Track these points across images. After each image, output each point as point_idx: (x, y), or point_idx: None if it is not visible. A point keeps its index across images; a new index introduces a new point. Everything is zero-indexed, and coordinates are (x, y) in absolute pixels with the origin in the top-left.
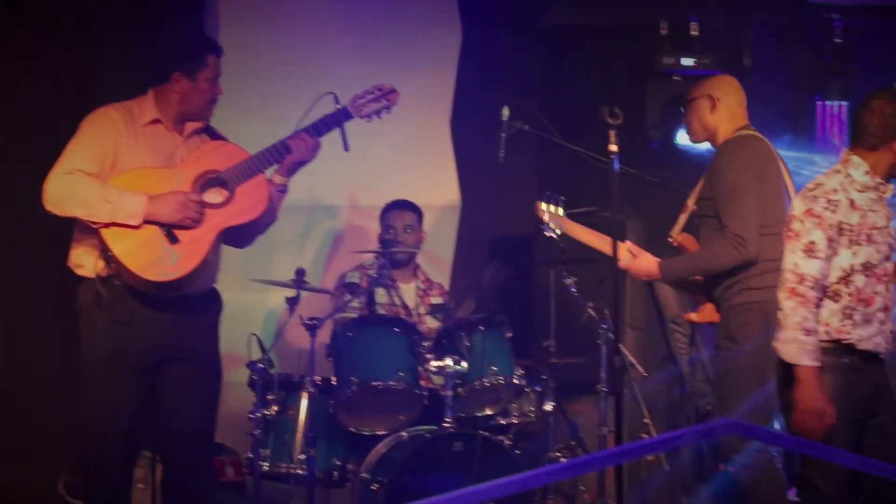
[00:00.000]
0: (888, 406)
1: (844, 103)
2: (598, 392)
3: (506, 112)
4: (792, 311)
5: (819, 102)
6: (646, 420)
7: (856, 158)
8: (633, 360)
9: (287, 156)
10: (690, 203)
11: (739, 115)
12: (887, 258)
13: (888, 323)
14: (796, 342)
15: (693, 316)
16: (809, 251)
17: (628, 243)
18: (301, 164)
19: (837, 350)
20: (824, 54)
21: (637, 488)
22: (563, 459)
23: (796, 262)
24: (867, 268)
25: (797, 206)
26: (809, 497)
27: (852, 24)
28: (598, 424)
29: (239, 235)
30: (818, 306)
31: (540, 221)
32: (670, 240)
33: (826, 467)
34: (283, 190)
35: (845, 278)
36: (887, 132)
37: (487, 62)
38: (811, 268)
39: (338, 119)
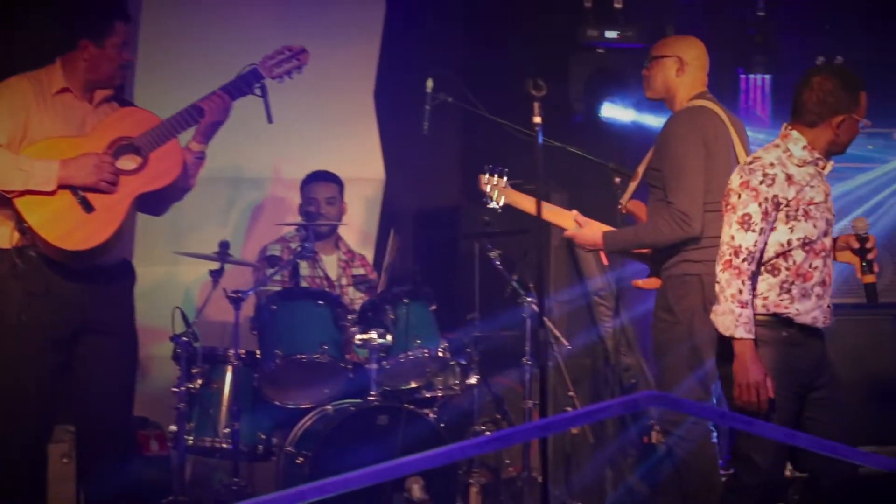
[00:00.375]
0: (827, 379)
1: (767, 76)
2: (523, 365)
3: (430, 84)
4: (727, 284)
5: (742, 75)
6: (570, 393)
7: (795, 133)
8: (557, 332)
9: (200, 118)
10: (640, 171)
11: (700, 81)
12: (825, 233)
13: (826, 298)
14: (731, 314)
15: (640, 283)
16: (745, 224)
17: (575, 212)
18: (215, 125)
19: (776, 323)
20: (747, 27)
21: (562, 461)
22: (487, 432)
23: (732, 234)
24: (805, 243)
25: (734, 179)
26: (743, 470)
27: None
28: (522, 397)
29: (154, 202)
30: (754, 279)
31: (482, 194)
32: (620, 207)
33: (760, 441)
34: (200, 157)
35: (783, 253)
36: (826, 109)
37: (411, 34)
38: (746, 240)
39: (248, 80)
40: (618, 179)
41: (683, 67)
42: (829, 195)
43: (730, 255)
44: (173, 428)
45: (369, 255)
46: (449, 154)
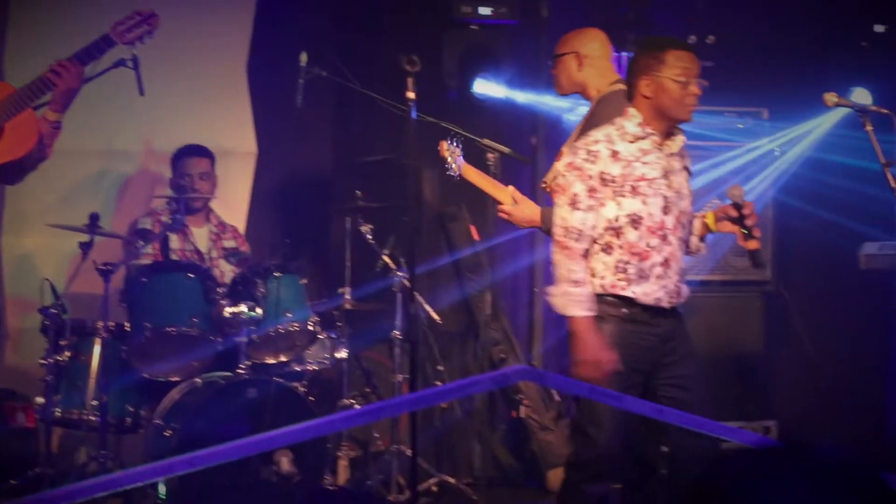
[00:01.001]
0: (682, 357)
1: None
2: (393, 339)
3: (304, 58)
4: (559, 264)
5: (615, 53)
6: (439, 367)
7: (632, 111)
8: (427, 307)
9: (53, 86)
10: (565, 150)
11: (608, 69)
12: (665, 211)
13: (669, 278)
14: (565, 294)
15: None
16: (572, 203)
17: (511, 188)
18: (69, 94)
19: (615, 301)
20: (620, 5)
21: (431, 434)
22: (357, 406)
23: (563, 215)
24: (634, 220)
25: (562, 160)
26: (580, 443)
27: None
28: (392, 371)
29: (10, 172)
30: (585, 257)
31: (443, 161)
32: (543, 185)
33: (596, 414)
34: (57, 126)
35: (615, 231)
36: (632, 78)
37: (285, 6)
38: (574, 219)
39: (99, 46)
40: (492, 156)
41: (583, 61)
42: (672, 171)
43: (561, 235)
44: (40, 400)
45: (241, 227)
46: (322, 128)
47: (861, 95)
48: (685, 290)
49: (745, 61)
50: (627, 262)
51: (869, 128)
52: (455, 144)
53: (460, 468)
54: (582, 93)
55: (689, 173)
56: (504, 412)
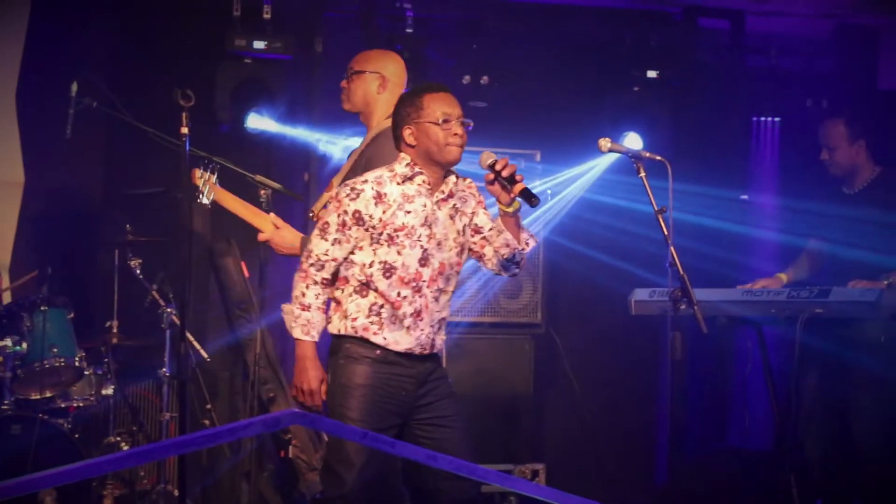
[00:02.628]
0: (439, 398)
1: None
2: (161, 377)
3: (74, 87)
4: (295, 285)
5: None
6: (208, 406)
7: (402, 154)
8: (197, 344)
9: None
10: (335, 182)
11: (394, 101)
12: (424, 262)
13: (422, 329)
14: (290, 314)
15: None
16: (322, 231)
17: (272, 216)
18: None
19: (370, 343)
20: (395, 43)
21: (198, 474)
22: (123, 444)
23: (312, 241)
24: (387, 269)
25: (332, 191)
26: (329, 482)
27: (423, 14)
28: (159, 409)
29: None
30: (324, 286)
31: (195, 188)
32: (311, 214)
33: (344, 454)
34: None
35: (367, 277)
36: (396, 130)
37: (57, 35)
38: (319, 247)
39: None
40: (264, 192)
41: (385, 84)
42: (436, 222)
43: (304, 259)
44: None
45: (6, 259)
46: (92, 160)
47: (633, 140)
48: (440, 341)
49: (520, 103)
50: (382, 307)
51: (642, 174)
52: (209, 171)
53: None
54: (367, 115)
55: (483, 207)
56: (273, 452)
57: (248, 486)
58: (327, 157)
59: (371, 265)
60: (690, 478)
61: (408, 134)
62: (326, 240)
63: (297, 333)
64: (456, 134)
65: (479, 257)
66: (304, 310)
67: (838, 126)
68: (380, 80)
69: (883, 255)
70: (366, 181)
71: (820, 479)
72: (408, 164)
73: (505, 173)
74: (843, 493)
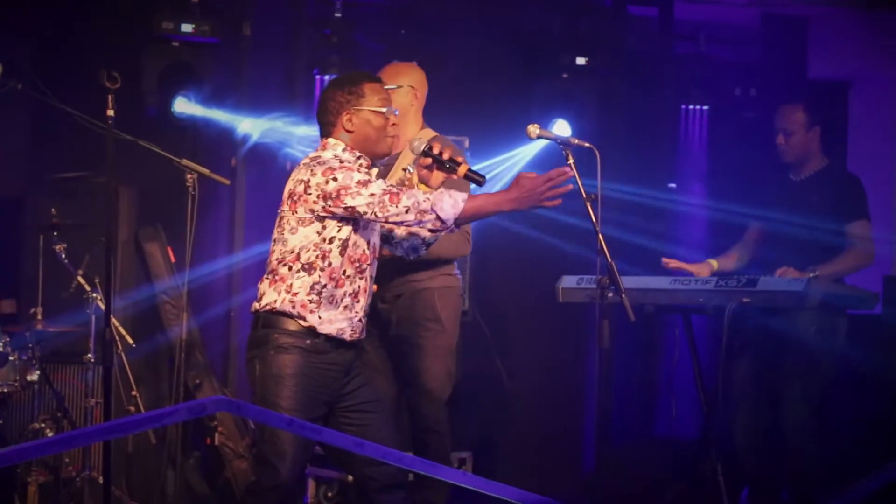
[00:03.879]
0: (362, 385)
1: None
2: (86, 362)
3: None
4: (408, 213)
5: (318, 76)
6: (133, 392)
7: (332, 140)
8: (122, 329)
9: None
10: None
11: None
12: (368, 243)
13: (356, 312)
14: (444, 202)
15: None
16: (364, 184)
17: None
18: None
19: (301, 333)
20: (324, 27)
21: (123, 461)
22: (48, 430)
23: (372, 192)
24: (343, 246)
25: (314, 178)
26: (263, 473)
27: None
28: (85, 395)
29: None
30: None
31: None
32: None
33: (277, 445)
34: None
35: (322, 252)
36: (332, 115)
37: None
38: (378, 187)
39: None
40: (190, 176)
41: (417, 95)
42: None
43: (381, 207)
44: None
45: None
46: (17, 143)
47: (561, 127)
48: (364, 329)
49: (449, 89)
50: (324, 286)
51: (571, 161)
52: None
53: (153, 496)
54: (399, 126)
55: None
56: (198, 439)
57: (173, 473)
58: (255, 143)
59: (331, 240)
60: (617, 466)
61: (346, 119)
62: (370, 180)
63: (463, 204)
64: (394, 124)
65: (388, 240)
66: (438, 199)
67: (797, 112)
68: (413, 93)
69: (825, 234)
70: (329, 160)
71: (747, 467)
72: (345, 150)
73: (445, 156)
74: (771, 482)
